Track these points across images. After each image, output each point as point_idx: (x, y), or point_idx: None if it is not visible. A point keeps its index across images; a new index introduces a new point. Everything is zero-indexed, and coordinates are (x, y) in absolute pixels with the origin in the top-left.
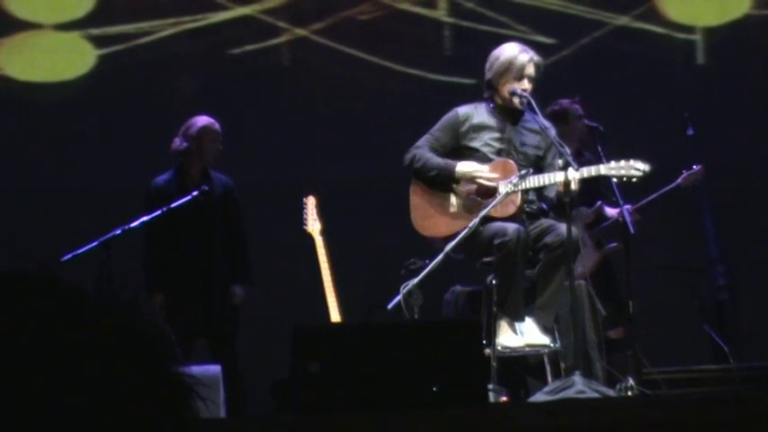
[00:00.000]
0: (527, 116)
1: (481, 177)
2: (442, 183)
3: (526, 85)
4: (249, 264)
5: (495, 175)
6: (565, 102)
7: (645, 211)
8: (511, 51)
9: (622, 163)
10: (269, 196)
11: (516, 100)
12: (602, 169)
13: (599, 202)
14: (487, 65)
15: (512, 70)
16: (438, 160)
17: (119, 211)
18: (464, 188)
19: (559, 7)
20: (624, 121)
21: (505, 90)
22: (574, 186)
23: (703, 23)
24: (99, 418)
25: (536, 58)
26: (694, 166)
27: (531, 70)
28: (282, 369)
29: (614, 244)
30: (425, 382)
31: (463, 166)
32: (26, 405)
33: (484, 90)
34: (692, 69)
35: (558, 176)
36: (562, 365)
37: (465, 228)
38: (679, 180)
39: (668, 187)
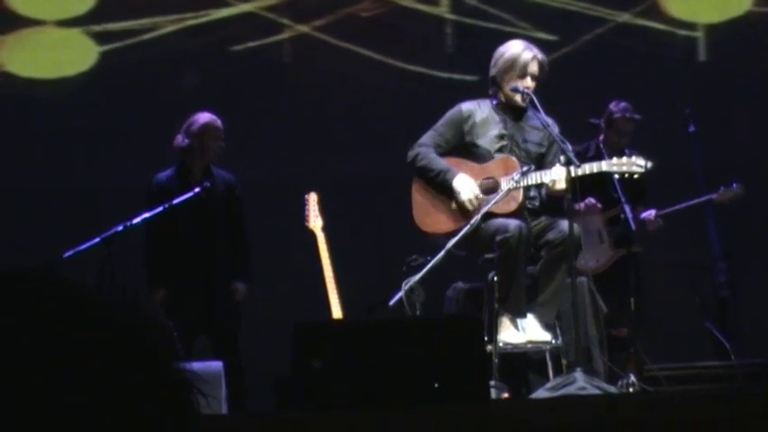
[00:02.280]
0: (530, 113)
1: (472, 204)
2: (440, 186)
3: (529, 82)
4: (251, 260)
5: (471, 208)
6: (616, 110)
7: (668, 218)
8: (515, 49)
9: (624, 159)
10: (270, 193)
11: (518, 97)
12: (604, 165)
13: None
14: (492, 61)
15: (515, 68)
16: (440, 163)
17: (120, 208)
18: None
19: (561, 4)
20: None
21: (508, 87)
22: (563, 185)
23: (705, 20)
24: (99, 417)
25: (540, 56)
26: (733, 185)
27: (534, 68)
28: (284, 365)
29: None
30: (427, 378)
31: (460, 183)
32: (26, 405)
33: (489, 86)
34: (693, 66)
35: (560, 172)
36: (563, 362)
37: (467, 224)
38: (714, 195)
39: (700, 200)
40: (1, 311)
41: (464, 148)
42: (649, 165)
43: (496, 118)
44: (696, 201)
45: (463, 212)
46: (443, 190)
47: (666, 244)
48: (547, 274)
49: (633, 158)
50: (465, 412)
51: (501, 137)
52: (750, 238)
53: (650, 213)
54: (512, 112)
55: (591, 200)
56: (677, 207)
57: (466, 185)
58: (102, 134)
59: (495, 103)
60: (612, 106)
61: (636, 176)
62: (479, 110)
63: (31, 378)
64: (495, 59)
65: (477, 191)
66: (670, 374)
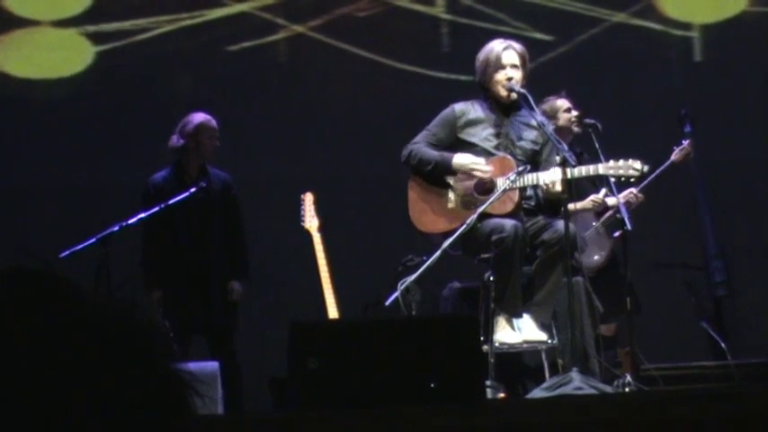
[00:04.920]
0: (524, 111)
1: (478, 170)
2: (440, 176)
3: (510, 72)
4: (247, 260)
5: (491, 168)
6: (550, 98)
7: (648, 192)
8: (488, 46)
9: (620, 162)
10: (266, 193)
11: (503, 90)
12: (600, 169)
13: (604, 189)
14: (475, 67)
15: (490, 63)
16: (434, 153)
17: (117, 208)
18: (461, 184)
19: (557, 4)
20: (621, 117)
21: (496, 85)
22: (559, 187)
23: (700, 20)
24: (96, 418)
25: (515, 45)
26: (683, 141)
27: (509, 57)
28: (280, 365)
29: (619, 232)
30: (423, 378)
31: (460, 158)
32: (22, 405)
33: (479, 91)
34: (689, 66)
35: (556, 174)
36: (559, 362)
37: (463, 224)
38: (672, 157)
39: (663, 166)
40: None
41: (459, 146)
42: (646, 168)
43: (491, 116)
44: (662, 168)
45: (459, 211)
46: (443, 183)
47: (662, 243)
48: (543, 274)
49: (630, 162)
50: (461, 412)
51: (496, 135)
52: (745, 238)
53: (630, 191)
54: (504, 111)
55: (597, 196)
56: (650, 178)
57: (472, 158)
58: (98, 134)
59: (486, 102)
60: (552, 98)
61: (632, 180)
62: (473, 109)
63: (28, 378)
64: (476, 65)
65: (481, 159)
66: (666, 374)
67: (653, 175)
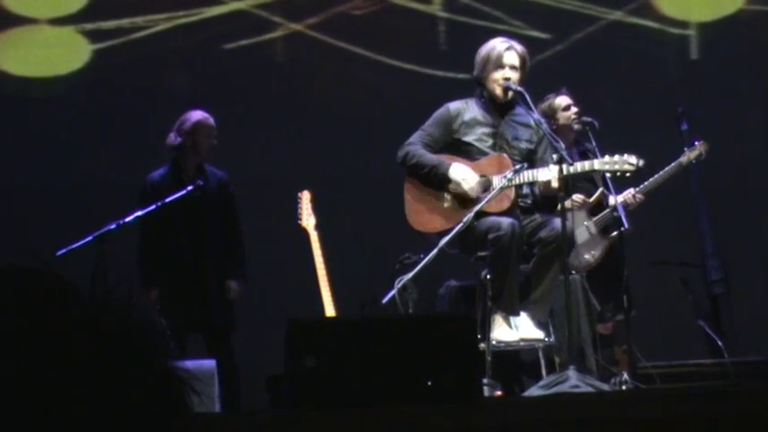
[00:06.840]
0: (519, 110)
1: (469, 191)
2: (435, 181)
3: (508, 73)
4: (244, 258)
5: (478, 189)
6: (549, 96)
7: (649, 193)
8: (490, 44)
9: (616, 158)
10: (263, 191)
11: (498, 89)
12: (596, 164)
13: (600, 189)
14: (475, 63)
15: (491, 61)
16: (431, 158)
17: (114, 206)
18: (456, 188)
19: (553, 2)
20: (618, 115)
21: (493, 83)
22: (555, 184)
23: (697, 18)
24: (94, 415)
25: (517, 46)
26: (696, 143)
27: (510, 58)
28: (277, 364)
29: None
30: (420, 376)
31: (455, 172)
32: (23, 404)
33: (475, 87)
34: (686, 64)
35: (553, 171)
36: (556, 360)
37: (459, 223)
38: (681, 158)
39: (670, 166)
40: None
41: (454, 146)
42: (641, 163)
43: (485, 116)
44: (667, 169)
45: (456, 211)
46: (438, 185)
47: (659, 241)
48: (539, 272)
49: (625, 157)
50: (458, 410)
51: (490, 135)
52: (742, 236)
53: (629, 192)
54: (499, 110)
55: (579, 195)
56: (652, 180)
57: (464, 173)
58: (95, 132)
59: (482, 101)
60: (552, 97)
61: (628, 175)
62: (468, 108)
63: (27, 378)
64: (476, 60)
65: (476, 177)
66: (663, 372)
67: (657, 176)
